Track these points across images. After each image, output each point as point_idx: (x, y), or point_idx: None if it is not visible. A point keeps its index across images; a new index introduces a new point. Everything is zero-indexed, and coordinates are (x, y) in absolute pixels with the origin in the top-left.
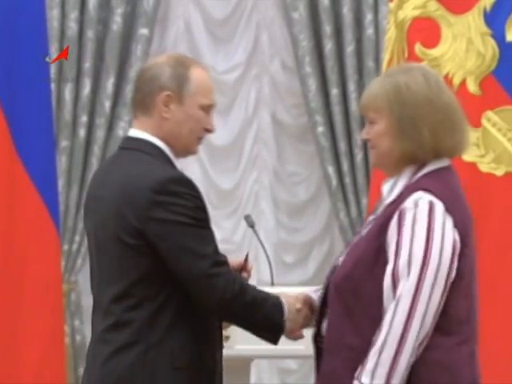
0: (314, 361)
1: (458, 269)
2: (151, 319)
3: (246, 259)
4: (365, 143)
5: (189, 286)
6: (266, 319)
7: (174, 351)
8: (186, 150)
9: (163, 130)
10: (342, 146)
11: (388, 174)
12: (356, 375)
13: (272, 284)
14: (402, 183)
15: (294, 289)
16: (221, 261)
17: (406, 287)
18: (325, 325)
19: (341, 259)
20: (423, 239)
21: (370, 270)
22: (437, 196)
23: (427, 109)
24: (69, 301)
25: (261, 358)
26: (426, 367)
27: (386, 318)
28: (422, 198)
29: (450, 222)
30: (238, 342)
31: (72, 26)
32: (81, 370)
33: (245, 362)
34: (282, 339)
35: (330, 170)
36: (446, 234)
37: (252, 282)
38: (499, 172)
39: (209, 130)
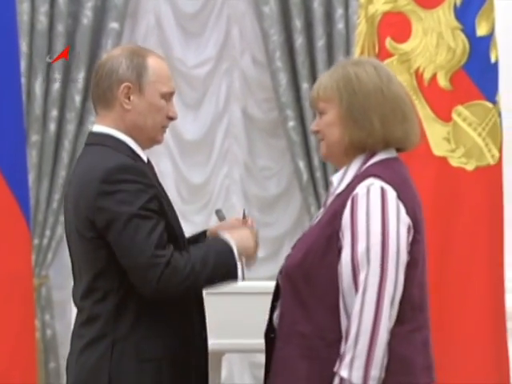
0: (265, 353)
1: (412, 255)
2: (117, 312)
3: (244, 216)
4: None
5: (129, 276)
6: (223, 275)
7: (139, 343)
8: (151, 140)
9: (126, 122)
10: (313, 140)
11: (338, 165)
12: (335, 369)
13: (243, 279)
14: (351, 173)
15: (264, 283)
16: (158, 254)
17: (370, 276)
18: (275, 316)
19: (291, 250)
20: (379, 225)
21: (323, 258)
22: (387, 182)
23: (378, 98)
24: (39, 295)
25: (232, 352)
26: None
27: (355, 310)
28: (374, 184)
29: (402, 207)
30: (209, 336)
31: (42, 20)
32: (51, 365)
33: (216, 357)
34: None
35: (301, 164)
36: (401, 219)
37: None
38: (470, 166)
39: (171, 118)
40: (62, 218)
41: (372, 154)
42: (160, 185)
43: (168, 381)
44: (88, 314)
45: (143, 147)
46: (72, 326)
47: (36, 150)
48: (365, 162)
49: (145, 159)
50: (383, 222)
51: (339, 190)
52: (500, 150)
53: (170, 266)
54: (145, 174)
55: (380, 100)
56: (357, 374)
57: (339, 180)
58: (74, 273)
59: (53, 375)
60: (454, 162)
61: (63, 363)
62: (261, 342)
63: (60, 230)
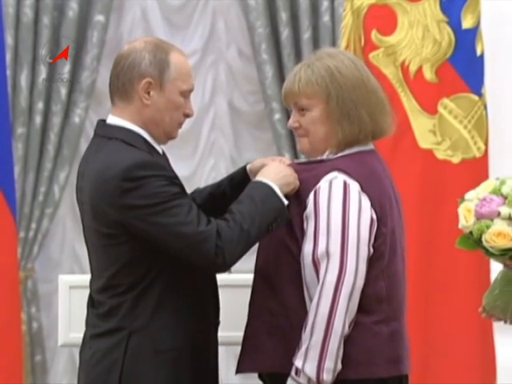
0: None
1: (377, 248)
2: (135, 304)
3: None
4: None
5: (184, 258)
6: (273, 220)
7: (156, 334)
8: (167, 135)
9: (143, 116)
10: None
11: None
12: (293, 360)
13: (229, 272)
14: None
15: (250, 276)
16: (201, 230)
17: (330, 269)
18: None
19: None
20: (339, 219)
21: (283, 241)
22: (351, 176)
23: (362, 91)
24: (25, 288)
25: (219, 345)
26: (345, 344)
27: (314, 301)
28: (337, 178)
29: (366, 201)
30: None
31: (27, 13)
32: (37, 358)
33: None
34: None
35: (287, 156)
36: (363, 213)
37: None
38: (455, 159)
39: (188, 115)
40: (47, 211)
41: (344, 147)
42: (176, 174)
43: (185, 371)
44: (104, 309)
45: (159, 142)
46: (58, 319)
47: (22, 143)
48: (336, 153)
49: (160, 151)
50: (343, 216)
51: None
52: (486, 143)
53: (221, 236)
54: (163, 167)
55: (364, 93)
56: (310, 365)
57: None
58: (91, 266)
59: (39, 368)
60: (440, 154)
61: (49, 356)
62: None
63: (46, 222)
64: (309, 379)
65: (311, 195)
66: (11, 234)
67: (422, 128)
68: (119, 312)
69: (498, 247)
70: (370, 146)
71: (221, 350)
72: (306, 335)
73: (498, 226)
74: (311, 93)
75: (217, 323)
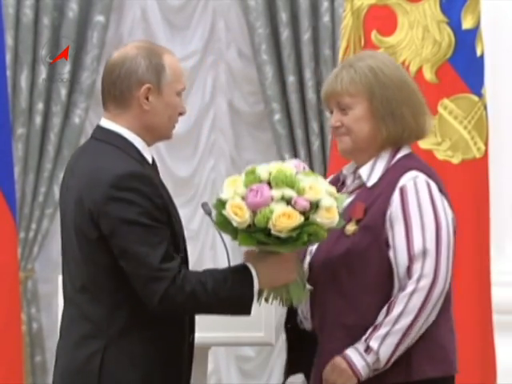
0: (288, 342)
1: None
2: (110, 313)
3: None
4: (321, 131)
5: (132, 283)
6: (233, 309)
7: (131, 348)
8: (163, 137)
9: (141, 122)
10: (299, 133)
11: (357, 160)
12: (364, 337)
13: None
14: (380, 166)
15: None
16: (163, 268)
17: (426, 266)
18: (304, 307)
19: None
20: (432, 217)
21: (367, 249)
22: (429, 176)
23: (405, 91)
24: (25, 288)
25: (218, 345)
26: (424, 341)
27: (406, 291)
28: (418, 177)
29: (445, 201)
30: (195, 330)
31: (27, 13)
32: (37, 358)
33: (202, 350)
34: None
35: (287, 157)
36: (447, 212)
37: None
38: (455, 160)
39: (182, 113)
40: (47, 211)
41: (399, 148)
42: (164, 187)
43: None
44: (78, 311)
45: (150, 144)
46: (58, 320)
47: (22, 143)
48: (393, 156)
49: (150, 160)
50: (435, 215)
51: (371, 183)
52: (486, 143)
53: (176, 283)
54: (153, 183)
55: (407, 93)
56: (385, 350)
57: (368, 173)
58: (64, 263)
59: (39, 369)
60: (440, 155)
61: (49, 357)
62: (247, 335)
63: (46, 223)
64: (375, 361)
65: (396, 195)
66: (11, 234)
67: None
68: (93, 318)
69: (287, 228)
70: (411, 149)
71: (221, 350)
72: (389, 320)
73: (280, 207)
74: (354, 91)
75: (192, 339)
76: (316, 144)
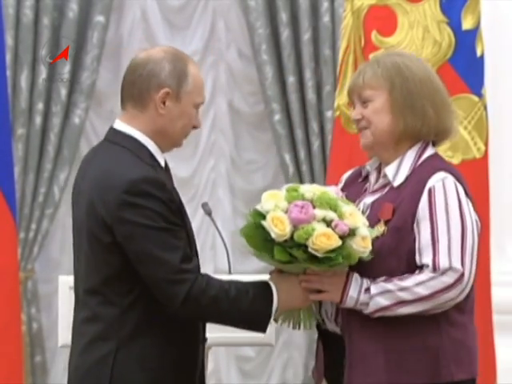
0: (323, 344)
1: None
2: (121, 317)
3: None
4: (321, 131)
5: (152, 289)
6: (252, 320)
7: (143, 351)
8: (173, 145)
9: (155, 125)
10: (299, 133)
11: (380, 156)
12: (374, 280)
13: (229, 272)
14: (407, 165)
15: (251, 277)
16: (184, 269)
17: (453, 265)
18: (329, 308)
19: None
20: (458, 219)
21: (396, 249)
22: (456, 178)
23: (428, 87)
24: (25, 289)
25: (218, 345)
26: (450, 344)
27: (431, 274)
28: (447, 178)
29: (470, 204)
30: None
31: (27, 13)
32: (37, 358)
33: None
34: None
35: (287, 157)
36: (472, 215)
37: (209, 270)
38: (456, 160)
39: (196, 127)
40: (47, 212)
41: (425, 147)
42: (176, 192)
43: None
44: (90, 313)
45: (163, 150)
46: (59, 320)
47: (22, 144)
48: (419, 155)
49: (162, 164)
50: (461, 217)
51: (397, 183)
52: (486, 144)
53: (199, 286)
54: (166, 188)
55: (431, 89)
56: (377, 303)
57: (394, 173)
58: (76, 266)
59: (39, 369)
60: None
61: (49, 357)
62: (247, 335)
63: (46, 223)
64: (364, 303)
65: (424, 195)
66: (11, 234)
67: None
68: (104, 320)
69: (325, 248)
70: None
71: (221, 350)
72: (400, 283)
73: (321, 227)
74: (376, 84)
75: (204, 340)
76: (316, 144)
